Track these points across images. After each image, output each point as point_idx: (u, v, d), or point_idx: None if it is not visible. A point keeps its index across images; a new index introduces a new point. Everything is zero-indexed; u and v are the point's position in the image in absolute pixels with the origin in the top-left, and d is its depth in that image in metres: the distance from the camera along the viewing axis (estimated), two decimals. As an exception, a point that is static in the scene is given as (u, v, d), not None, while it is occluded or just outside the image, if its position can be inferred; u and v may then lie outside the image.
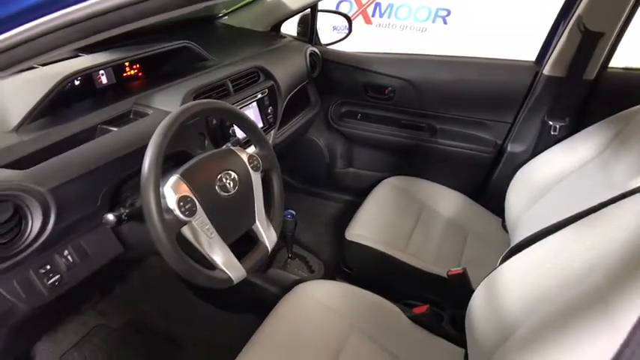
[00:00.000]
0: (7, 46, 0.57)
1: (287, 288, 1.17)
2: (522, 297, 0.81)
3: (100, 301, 1.40)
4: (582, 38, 1.32)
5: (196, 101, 0.87)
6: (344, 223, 1.42)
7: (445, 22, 3.88)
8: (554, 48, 1.41)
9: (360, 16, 4.20)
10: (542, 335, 0.69)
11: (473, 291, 0.97)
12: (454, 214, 1.53)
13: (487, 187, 1.66)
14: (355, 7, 4.17)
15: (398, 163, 1.83)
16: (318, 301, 1.09)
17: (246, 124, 0.96)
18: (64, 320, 1.32)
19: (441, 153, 1.72)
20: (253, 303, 1.36)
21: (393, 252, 1.30)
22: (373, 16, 4.12)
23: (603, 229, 0.75)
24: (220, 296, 1.44)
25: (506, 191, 1.39)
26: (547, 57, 1.44)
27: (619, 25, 1.30)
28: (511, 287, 0.87)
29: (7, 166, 0.75)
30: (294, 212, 1.34)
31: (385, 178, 1.66)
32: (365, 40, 1.83)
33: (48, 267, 0.80)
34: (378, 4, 4.07)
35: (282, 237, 1.39)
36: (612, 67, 1.43)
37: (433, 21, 3.92)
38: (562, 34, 1.38)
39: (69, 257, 0.84)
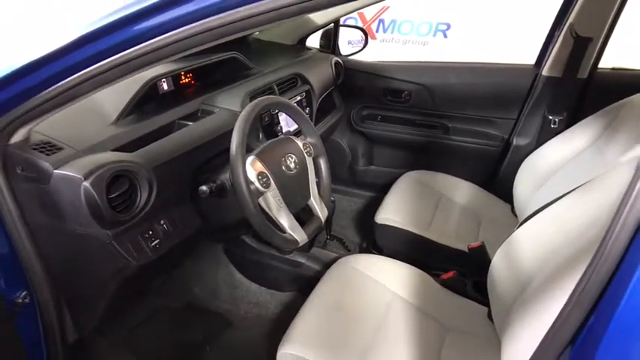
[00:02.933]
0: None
1: (328, 265, 1.34)
2: (534, 255, 0.96)
3: (161, 286, 1.56)
4: (574, 43, 1.53)
5: (264, 97, 1.07)
6: (367, 215, 1.59)
7: (445, 36, 4.12)
8: (551, 52, 1.62)
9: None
10: (553, 283, 0.82)
11: (490, 260, 1.14)
12: (468, 202, 1.71)
13: (496, 177, 1.85)
14: (360, 24, 4.42)
15: (415, 160, 2.02)
16: (360, 272, 1.27)
17: (301, 116, 1.16)
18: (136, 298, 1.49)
19: (454, 148, 1.92)
20: (298, 280, 1.53)
21: (418, 231, 1.48)
22: (377, 31, 4.37)
23: (596, 194, 0.91)
24: (268, 275, 1.61)
25: (513, 180, 1.57)
26: (545, 60, 1.65)
27: (605, 31, 1.51)
28: (524, 248, 1.03)
29: (116, 150, 0.94)
30: (333, 198, 1.53)
31: (402, 174, 1.84)
32: (370, 54, 2.04)
33: (150, 233, 0.99)
34: (381, 21, 4.32)
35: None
36: (601, 68, 1.63)
37: (434, 35, 4.16)
38: (557, 39, 1.59)
39: (164, 226, 1.02)
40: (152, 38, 0.69)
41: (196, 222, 1.12)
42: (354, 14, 4.39)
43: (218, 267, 1.66)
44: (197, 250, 1.60)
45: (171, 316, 1.52)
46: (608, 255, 0.49)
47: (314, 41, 2.05)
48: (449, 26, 4.08)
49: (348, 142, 2.13)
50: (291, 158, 1.07)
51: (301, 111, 1.17)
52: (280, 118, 1.39)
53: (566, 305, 0.56)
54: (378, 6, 4.27)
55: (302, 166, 1.10)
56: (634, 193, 0.47)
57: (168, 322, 1.51)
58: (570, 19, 1.53)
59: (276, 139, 1.10)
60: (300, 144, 1.13)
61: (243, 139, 0.94)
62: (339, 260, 1.32)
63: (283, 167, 1.04)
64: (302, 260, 1.53)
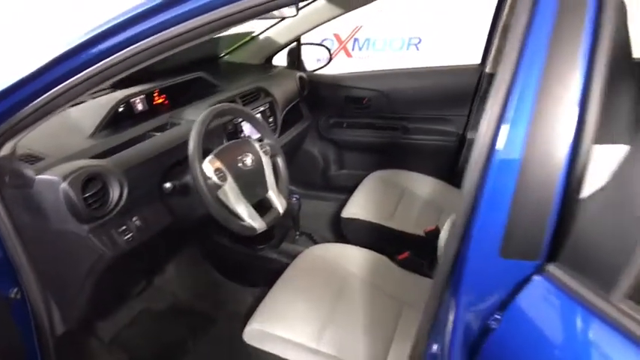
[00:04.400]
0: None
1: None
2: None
3: (144, 290, 1.69)
4: (508, 41, 1.69)
5: (219, 104, 1.22)
6: (340, 215, 1.73)
7: (417, 49, 4.34)
8: (491, 50, 1.79)
9: (342, 51, 4.68)
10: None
11: None
12: (430, 194, 1.84)
13: (456, 169, 1.99)
14: (337, 44, 4.65)
15: (381, 160, 2.16)
16: (323, 258, 1.39)
17: (256, 121, 1.32)
18: (120, 301, 1.61)
19: (415, 147, 2.07)
20: (271, 275, 1.65)
21: (381, 221, 1.61)
22: (353, 49, 4.59)
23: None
24: (244, 273, 1.74)
25: None
26: (487, 58, 1.82)
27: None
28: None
29: (93, 157, 1.09)
30: (298, 196, 1.66)
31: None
32: (348, 70, 2.23)
33: (124, 227, 1.12)
34: (356, 40, 4.55)
35: (291, 217, 1.71)
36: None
37: (407, 48, 4.38)
38: (494, 39, 1.76)
39: (137, 222, 1.16)
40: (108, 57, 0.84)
41: (167, 219, 1.25)
42: (330, 35, 4.63)
43: (198, 270, 1.79)
44: (177, 256, 1.73)
45: (155, 318, 1.64)
46: None
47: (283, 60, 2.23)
48: (420, 40, 4.30)
49: (319, 150, 2.28)
50: (248, 156, 1.22)
51: (255, 116, 1.32)
52: (244, 127, 1.55)
53: None
54: (352, 26, 4.50)
55: (258, 163, 1.24)
56: None
57: (153, 323, 1.63)
58: (503, 20, 1.70)
59: (234, 140, 1.25)
60: (257, 144, 1.27)
61: (199, 140, 1.09)
62: (306, 250, 1.44)
63: (240, 164, 1.19)
64: (274, 256, 1.66)
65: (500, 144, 0.60)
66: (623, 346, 0.48)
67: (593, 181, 0.57)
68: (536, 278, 0.59)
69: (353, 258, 1.40)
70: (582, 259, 0.55)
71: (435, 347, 0.74)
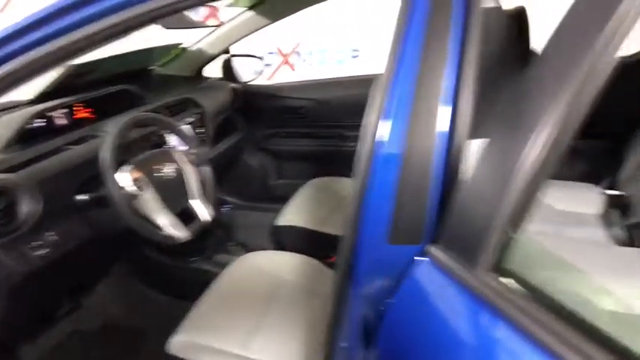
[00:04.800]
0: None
1: None
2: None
3: (73, 311, 1.60)
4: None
5: (138, 114, 1.21)
6: None
7: (358, 60, 4.50)
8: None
9: (287, 64, 4.76)
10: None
11: None
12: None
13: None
14: (280, 58, 4.72)
15: (320, 168, 2.19)
16: (253, 266, 1.39)
17: (176, 130, 1.31)
18: (46, 323, 1.52)
19: (352, 154, 2.11)
20: (205, 287, 1.62)
21: (314, 227, 1.63)
22: (296, 63, 4.68)
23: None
24: (176, 286, 1.70)
25: None
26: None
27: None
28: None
29: (1, 172, 1.04)
30: (231, 205, 1.66)
31: None
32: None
33: (40, 243, 1.08)
34: (298, 53, 4.64)
35: (225, 228, 1.70)
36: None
37: (349, 60, 4.54)
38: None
39: (53, 237, 1.11)
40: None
41: (86, 232, 1.21)
42: (274, 49, 4.69)
43: (129, 286, 1.73)
44: (106, 273, 1.67)
45: (85, 339, 1.56)
46: None
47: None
48: (359, 51, 4.46)
49: (258, 162, 2.28)
50: (169, 166, 1.20)
51: (178, 125, 1.32)
52: (170, 138, 1.52)
53: None
54: (295, 41, 4.59)
55: (180, 171, 1.23)
56: None
57: (82, 345, 1.55)
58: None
59: (155, 150, 1.24)
60: (180, 154, 1.26)
61: (112, 149, 1.07)
62: (238, 258, 1.44)
63: (161, 173, 1.17)
64: (207, 267, 1.64)
65: (383, 138, 0.64)
66: (487, 314, 0.51)
67: (466, 171, 0.62)
68: (419, 260, 0.63)
69: (285, 264, 1.41)
70: (455, 239, 0.59)
71: (342, 340, 0.76)
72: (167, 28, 1.42)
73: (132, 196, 1.08)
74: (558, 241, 1.44)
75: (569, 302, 0.46)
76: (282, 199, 2.31)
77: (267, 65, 4.74)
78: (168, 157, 1.23)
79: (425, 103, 0.63)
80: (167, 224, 1.14)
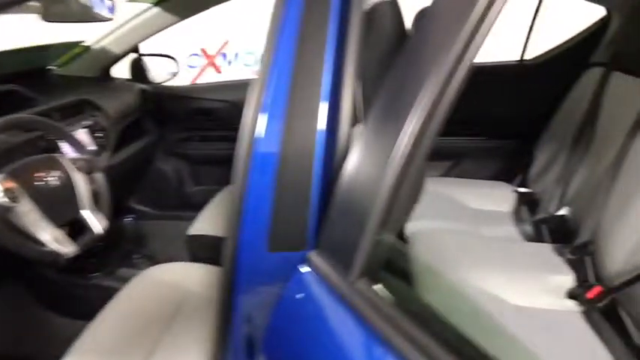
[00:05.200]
0: None
1: None
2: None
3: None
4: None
5: (10, 116, 1.07)
6: None
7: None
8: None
9: (212, 67, 4.61)
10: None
11: None
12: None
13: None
14: (204, 60, 4.56)
15: None
16: (159, 280, 1.30)
17: (63, 134, 1.18)
18: None
19: None
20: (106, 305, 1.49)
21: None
22: (221, 64, 4.55)
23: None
24: (75, 306, 1.54)
25: None
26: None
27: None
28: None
29: None
30: (135, 216, 1.54)
31: None
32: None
33: None
34: (224, 55, 4.51)
35: (132, 240, 1.58)
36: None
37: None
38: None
39: None
40: None
41: None
42: (198, 51, 4.53)
43: (22, 308, 1.54)
44: None
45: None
46: None
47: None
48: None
49: (172, 167, 2.16)
50: (53, 173, 1.08)
51: (64, 129, 1.20)
52: (63, 145, 1.38)
53: None
54: (221, 42, 4.46)
55: (67, 180, 1.11)
56: None
57: None
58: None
59: (34, 157, 1.11)
60: (67, 160, 1.14)
61: None
62: (142, 273, 1.33)
63: (42, 182, 1.05)
64: (108, 283, 1.51)
65: (260, 136, 0.60)
66: (353, 323, 0.49)
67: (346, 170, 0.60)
68: (300, 267, 0.60)
69: (193, 276, 1.33)
70: (332, 245, 0.57)
71: (228, 352, 0.71)
72: (47, 21, 1.28)
73: (4, 209, 0.95)
74: (469, 238, 1.50)
75: (429, 307, 0.45)
76: (200, 206, 2.20)
77: (191, 67, 4.57)
78: (53, 164, 1.11)
79: (302, 99, 0.60)
80: (50, 239, 1.02)
